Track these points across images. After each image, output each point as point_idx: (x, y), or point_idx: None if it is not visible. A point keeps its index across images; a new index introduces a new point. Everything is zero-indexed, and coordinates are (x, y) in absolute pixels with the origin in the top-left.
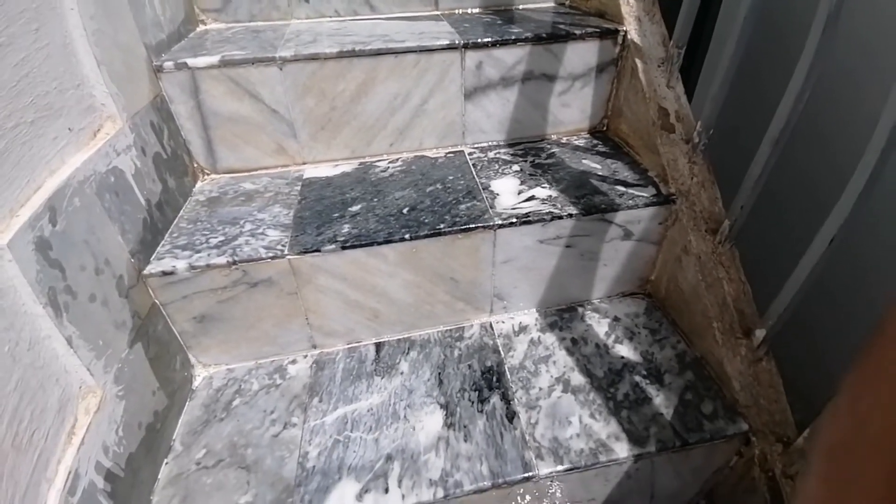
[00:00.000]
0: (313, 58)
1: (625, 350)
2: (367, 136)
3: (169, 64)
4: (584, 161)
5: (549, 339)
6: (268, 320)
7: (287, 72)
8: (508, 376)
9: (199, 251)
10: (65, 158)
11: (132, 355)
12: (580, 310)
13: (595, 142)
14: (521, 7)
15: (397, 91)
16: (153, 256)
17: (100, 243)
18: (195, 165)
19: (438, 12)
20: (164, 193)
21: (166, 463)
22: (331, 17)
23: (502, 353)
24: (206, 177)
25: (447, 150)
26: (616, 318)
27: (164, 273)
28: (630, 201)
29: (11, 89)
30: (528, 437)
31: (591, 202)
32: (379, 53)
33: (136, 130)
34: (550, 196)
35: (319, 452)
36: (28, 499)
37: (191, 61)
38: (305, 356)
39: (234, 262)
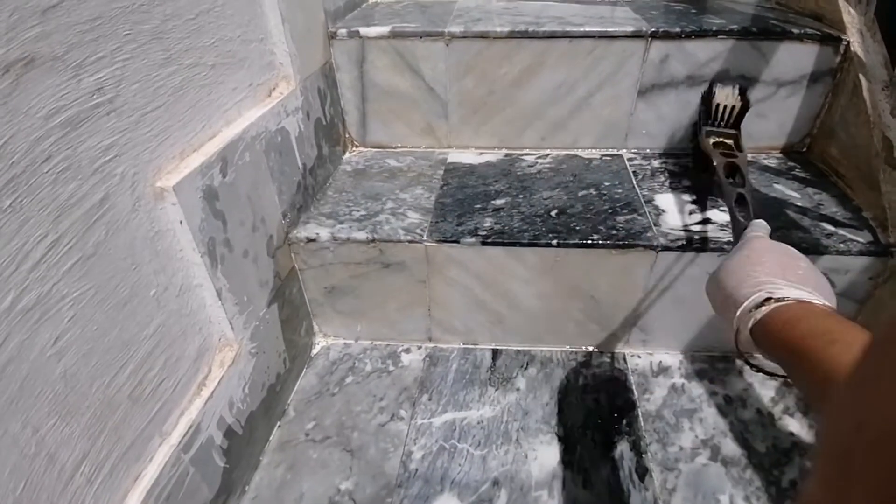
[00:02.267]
0: (482, 36)
1: (796, 426)
2: (518, 126)
3: (343, 31)
4: (776, 186)
5: (696, 389)
6: (392, 304)
7: (453, 48)
8: (642, 423)
9: (342, 222)
10: (241, 111)
11: (268, 315)
12: (738, 363)
13: (791, 164)
14: None
15: (563, 80)
16: (301, 220)
17: (260, 200)
18: (347, 136)
19: None
20: (318, 159)
21: (279, 426)
22: None
23: (636, 393)
24: (354, 148)
25: (603, 152)
26: (788, 384)
27: (309, 239)
28: (841, 245)
29: (189, 21)
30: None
31: (786, 238)
32: (553, 36)
33: (305, 94)
34: (730, 222)
35: (423, 455)
36: (129, 456)
37: (363, 30)
38: (420, 347)
39: (374, 240)
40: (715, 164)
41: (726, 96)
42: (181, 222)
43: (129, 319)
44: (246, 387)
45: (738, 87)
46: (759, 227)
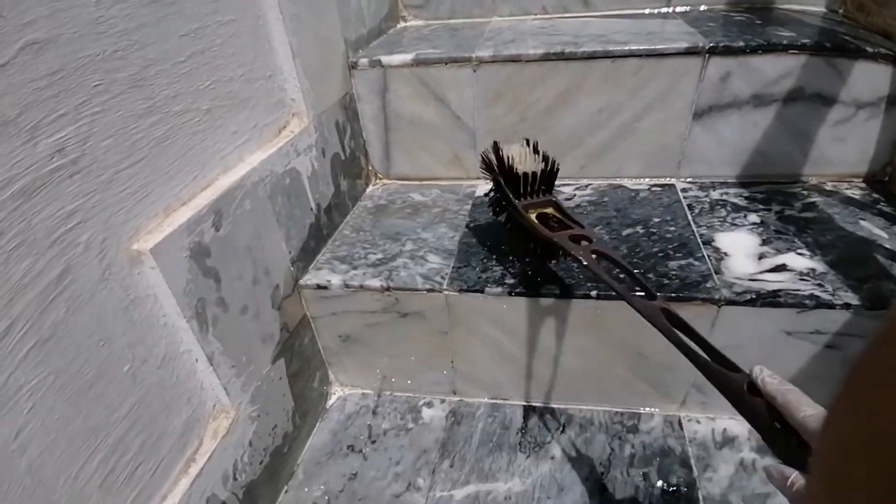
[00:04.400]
0: (513, 59)
1: None
2: (555, 155)
3: (364, 60)
4: (862, 223)
5: None
6: (411, 354)
7: (480, 74)
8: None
9: (356, 267)
10: (243, 155)
11: (273, 372)
12: None
13: (875, 196)
14: (782, 7)
15: (605, 104)
16: (312, 265)
17: (263, 250)
18: (370, 168)
19: (669, 9)
20: (334, 197)
21: (286, 491)
22: (536, 14)
23: (695, 470)
24: (377, 181)
25: (652, 182)
26: None
27: (319, 286)
28: None
29: (178, 65)
30: None
31: (878, 291)
32: (592, 57)
33: (321, 129)
34: (813, 270)
35: None
36: None
37: (385, 59)
38: (442, 401)
39: (388, 288)
40: (568, 251)
41: (522, 160)
42: (161, 287)
43: (95, 403)
44: (245, 455)
45: (526, 142)
46: (792, 395)
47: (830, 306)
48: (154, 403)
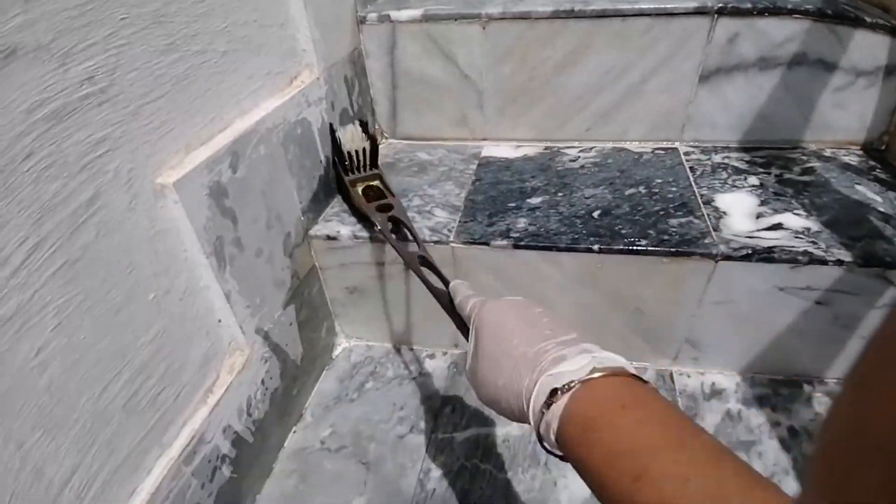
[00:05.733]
0: (523, 17)
1: None
2: (560, 117)
3: (373, 16)
4: (858, 187)
5: (756, 418)
6: (417, 307)
7: (489, 32)
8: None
9: None
10: (258, 101)
11: (284, 317)
12: (807, 388)
13: (872, 163)
14: None
15: (613, 64)
16: (321, 217)
17: (276, 196)
18: (377, 127)
19: None
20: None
21: (294, 431)
22: None
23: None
24: (383, 140)
25: (656, 146)
26: None
27: (329, 237)
28: None
29: (196, 4)
30: None
31: (870, 249)
32: (602, 16)
33: (330, 83)
34: (808, 229)
35: (443, 475)
36: (123, 470)
37: (394, 14)
38: (445, 353)
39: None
40: (378, 226)
41: (352, 139)
42: (183, 221)
43: (123, 326)
44: (258, 393)
45: (357, 123)
46: (466, 294)
47: (823, 262)
48: (176, 333)
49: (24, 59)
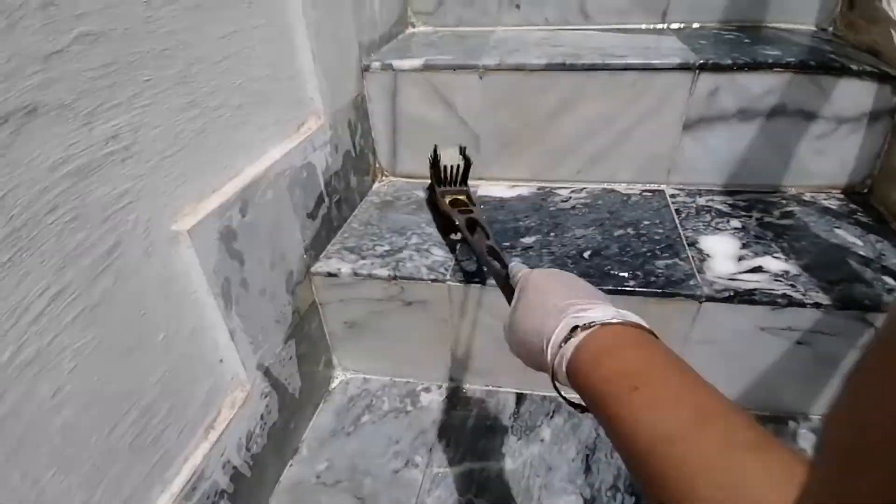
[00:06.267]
0: (518, 68)
1: None
2: (553, 160)
3: (376, 64)
4: (836, 231)
5: None
6: (414, 342)
7: (487, 81)
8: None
9: (364, 257)
10: (266, 148)
11: (284, 351)
12: (791, 425)
13: (853, 207)
14: (772, 25)
15: (602, 113)
16: (322, 254)
17: (281, 237)
18: (377, 165)
19: (665, 25)
20: (345, 191)
21: (290, 465)
22: (539, 25)
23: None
24: (384, 178)
25: (643, 188)
26: None
27: (330, 274)
28: None
29: (216, 64)
30: None
31: (848, 293)
32: (592, 69)
33: (335, 127)
34: (787, 272)
35: None
36: None
37: (396, 63)
38: (440, 387)
39: (395, 277)
40: (457, 223)
41: (450, 157)
42: (195, 265)
43: (133, 367)
44: (257, 427)
45: (458, 147)
46: (520, 266)
47: (801, 305)
48: (182, 373)
49: (45, 118)
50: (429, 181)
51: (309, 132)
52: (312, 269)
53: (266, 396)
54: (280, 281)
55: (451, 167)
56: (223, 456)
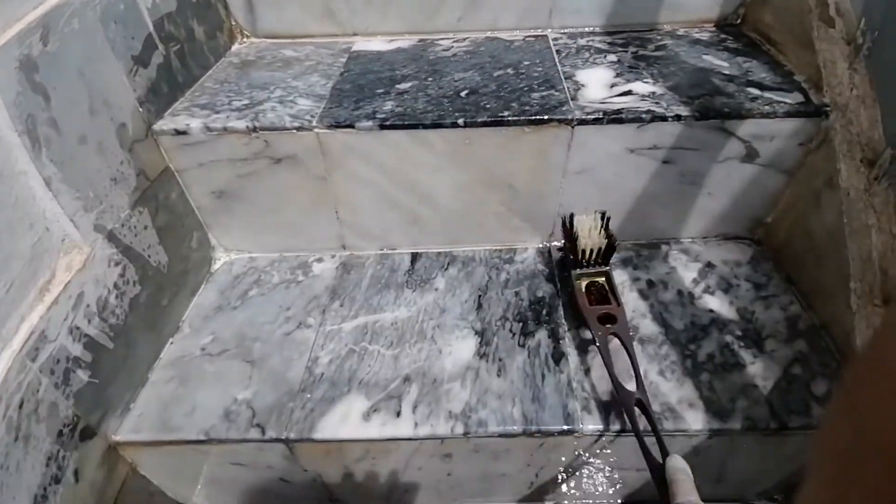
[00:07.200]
0: None
1: (716, 303)
2: (430, 7)
3: None
4: (705, 57)
5: (619, 276)
6: (293, 206)
7: None
8: (562, 311)
9: (218, 112)
10: None
11: (134, 218)
12: (664, 248)
13: (724, 36)
14: None
15: None
16: (168, 112)
17: (99, 78)
18: (233, 23)
19: None
20: (188, 42)
21: (171, 343)
22: None
23: (558, 284)
24: (244, 39)
25: (527, 33)
26: (710, 265)
27: (177, 131)
28: (766, 107)
29: None
30: (575, 385)
31: (708, 104)
32: None
33: None
34: (653, 93)
35: (331, 360)
36: None
37: None
38: (333, 256)
39: (255, 129)
40: (591, 329)
41: (589, 234)
42: None
43: None
44: (111, 297)
45: (597, 214)
46: (681, 472)
47: (664, 119)
48: None
49: None
50: (304, 38)
51: None
52: (156, 128)
53: (118, 265)
54: (108, 132)
55: (588, 249)
56: (67, 320)
